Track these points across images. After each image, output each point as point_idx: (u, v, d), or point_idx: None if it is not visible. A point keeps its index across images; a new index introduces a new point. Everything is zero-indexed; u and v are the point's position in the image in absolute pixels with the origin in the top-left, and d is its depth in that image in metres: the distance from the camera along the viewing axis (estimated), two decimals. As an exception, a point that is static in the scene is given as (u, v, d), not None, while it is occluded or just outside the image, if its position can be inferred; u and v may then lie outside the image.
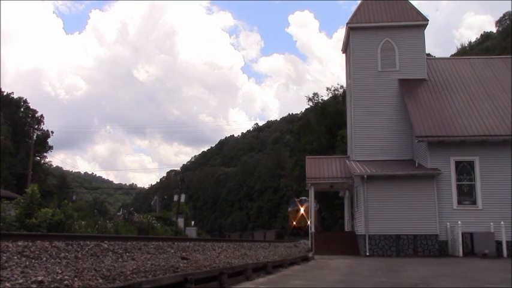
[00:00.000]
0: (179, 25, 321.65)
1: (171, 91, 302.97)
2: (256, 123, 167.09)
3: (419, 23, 25.99)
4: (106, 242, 9.61)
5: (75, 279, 5.31)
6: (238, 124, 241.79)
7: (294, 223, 49.72)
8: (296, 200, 52.23)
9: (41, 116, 62.89)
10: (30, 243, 7.59)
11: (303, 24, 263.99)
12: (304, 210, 48.07)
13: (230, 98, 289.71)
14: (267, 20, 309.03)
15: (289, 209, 54.27)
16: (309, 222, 42.52)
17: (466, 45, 78.35)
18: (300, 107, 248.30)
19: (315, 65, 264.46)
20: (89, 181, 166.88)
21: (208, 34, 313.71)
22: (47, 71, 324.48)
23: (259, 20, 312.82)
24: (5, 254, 6.40)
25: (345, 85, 38.73)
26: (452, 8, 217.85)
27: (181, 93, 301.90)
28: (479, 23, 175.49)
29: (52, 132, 62.58)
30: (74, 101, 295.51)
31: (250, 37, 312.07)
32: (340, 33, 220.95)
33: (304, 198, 49.97)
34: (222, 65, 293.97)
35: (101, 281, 5.51)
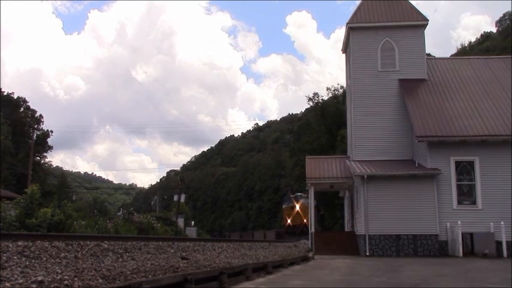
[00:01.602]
0: (177, 25, 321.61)
1: (169, 91, 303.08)
2: (256, 123, 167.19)
3: (419, 23, 26.00)
4: (106, 242, 9.60)
5: (75, 279, 5.31)
6: (238, 124, 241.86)
7: (289, 221, 46.80)
8: (291, 196, 49.38)
9: (40, 115, 62.99)
10: (30, 243, 7.58)
11: (300, 25, 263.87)
12: (299, 208, 45.37)
13: (229, 98, 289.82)
14: (265, 20, 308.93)
15: (284, 206, 51.12)
16: (305, 221, 41.71)
17: (466, 45, 78.43)
18: (299, 107, 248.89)
19: (313, 65, 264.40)
20: (88, 181, 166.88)
21: (207, 34, 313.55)
22: (46, 71, 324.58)
23: (257, 20, 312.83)
24: (5, 254, 6.40)
25: (344, 85, 38.75)
26: (449, 9, 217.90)
27: (180, 93, 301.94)
28: (475, 24, 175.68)
29: (51, 131, 62.63)
30: (73, 101, 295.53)
31: (248, 38, 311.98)
32: (338, 34, 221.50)
33: (299, 194, 47.64)
34: (221, 66, 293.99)
35: (101, 281, 5.51)
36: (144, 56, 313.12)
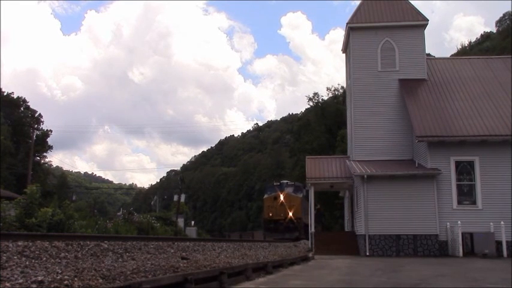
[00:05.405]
0: (174, 26, 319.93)
1: (166, 92, 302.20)
2: (256, 123, 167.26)
3: (419, 23, 25.99)
4: (106, 242, 9.60)
5: (75, 279, 5.31)
6: (236, 124, 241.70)
7: (270, 214, 37.64)
8: (275, 185, 39.70)
9: (40, 115, 63.04)
10: (30, 243, 7.58)
11: (295, 26, 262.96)
12: (284, 198, 37.20)
13: (226, 99, 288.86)
14: (260, 21, 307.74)
15: (265, 196, 40.35)
16: (290, 214, 38.39)
17: (466, 45, 78.54)
18: (297, 107, 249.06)
19: (309, 66, 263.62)
20: (88, 181, 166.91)
21: (203, 35, 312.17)
22: (44, 72, 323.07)
23: (252, 21, 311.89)
24: (5, 254, 6.40)
25: (344, 85, 38.75)
26: (445, 10, 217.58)
27: (177, 94, 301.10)
28: (468, 25, 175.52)
29: (51, 130, 62.66)
30: (71, 101, 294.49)
31: (244, 39, 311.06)
32: (332, 35, 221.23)
33: (285, 181, 40.06)
34: (218, 66, 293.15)
35: (101, 281, 5.51)
36: (141, 57, 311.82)
